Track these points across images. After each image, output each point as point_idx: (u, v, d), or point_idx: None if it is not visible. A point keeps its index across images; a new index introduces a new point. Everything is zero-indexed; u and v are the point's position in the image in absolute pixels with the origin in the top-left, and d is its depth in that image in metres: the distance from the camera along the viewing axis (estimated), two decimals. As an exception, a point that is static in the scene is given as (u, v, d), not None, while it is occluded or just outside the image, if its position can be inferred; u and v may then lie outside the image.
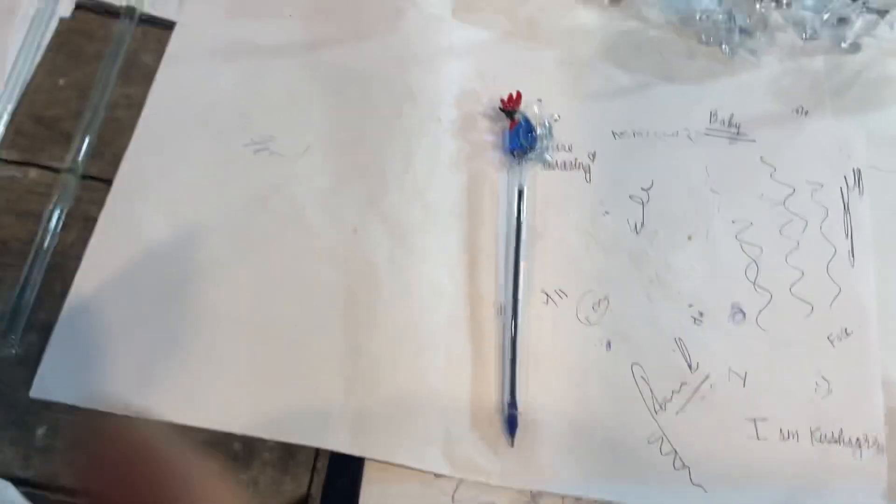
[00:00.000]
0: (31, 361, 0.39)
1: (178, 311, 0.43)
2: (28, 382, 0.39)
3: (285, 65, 0.51)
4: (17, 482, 0.37)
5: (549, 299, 0.49)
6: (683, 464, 0.46)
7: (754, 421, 0.48)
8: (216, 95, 0.49)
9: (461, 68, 0.55)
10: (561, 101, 0.55)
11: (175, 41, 0.50)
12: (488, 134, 0.53)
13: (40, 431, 0.38)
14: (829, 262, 0.53)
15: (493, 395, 0.45)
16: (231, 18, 0.52)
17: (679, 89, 0.58)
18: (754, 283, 0.52)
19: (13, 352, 0.39)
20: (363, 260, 0.46)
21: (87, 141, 0.45)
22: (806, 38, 0.63)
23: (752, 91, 0.60)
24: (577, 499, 0.45)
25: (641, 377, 0.48)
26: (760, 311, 0.51)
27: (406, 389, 0.44)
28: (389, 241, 0.47)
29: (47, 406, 0.39)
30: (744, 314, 0.51)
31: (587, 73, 0.57)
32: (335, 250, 0.46)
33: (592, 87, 0.57)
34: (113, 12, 0.50)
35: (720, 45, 0.61)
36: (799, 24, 0.65)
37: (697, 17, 0.62)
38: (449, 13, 0.57)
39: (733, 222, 0.54)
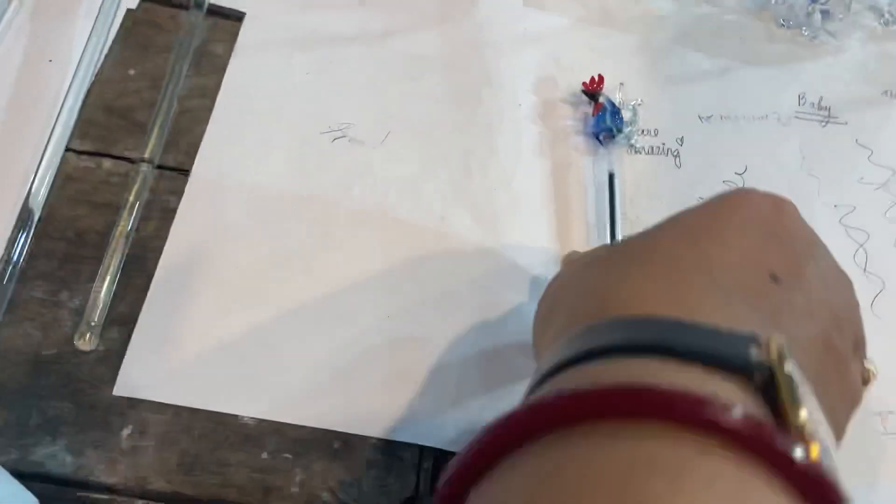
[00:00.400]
0: (113, 358, 0.37)
1: (262, 304, 0.40)
2: (111, 381, 0.36)
3: (358, 53, 0.49)
4: (103, 489, 0.34)
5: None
6: (807, 461, 0.42)
7: (880, 415, 0.44)
8: (290, 84, 0.47)
9: (537, 55, 0.53)
10: (642, 86, 0.53)
11: (246, 31, 0.49)
12: (570, 119, 0.51)
13: (126, 432, 0.35)
14: (942, 246, 0.50)
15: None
16: (301, 8, 0.51)
17: (763, 72, 0.56)
18: (864, 270, 0.49)
19: (94, 348, 0.37)
20: (453, 248, 0.43)
21: (161, 131, 0.43)
22: (884, 23, 0.60)
23: (838, 74, 0.57)
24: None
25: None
26: (874, 299, 0.48)
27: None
28: (479, 229, 0.44)
29: (132, 405, 0.36)
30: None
31: (666, 57, 0.55)
32: (423, 238, 0.43)
33: (673, 72, 0.54)
34: (178, 4, 0.48)
35: (800, 28, 0.59)
36: (876, 10, 0.63)
37: (773, 1, 0.59)
38: (520, 1, 0.55)
39: (835, 206, 0.51)
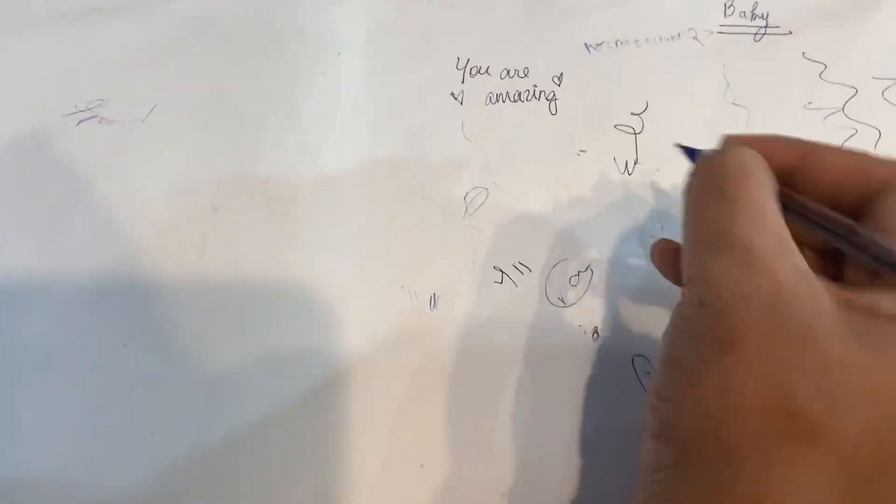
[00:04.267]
0: None
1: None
2: None
3: (125, 23, 0.41)
4: None
5: (506, 276, 0.36)
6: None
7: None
8: (37, 64, 0.40)
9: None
10: (505, 15, 0.43)
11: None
12: (411, 69, 0.41)
13: None
14: (920, 181, 0.38)
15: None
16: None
17: (676, -20, 0.45)
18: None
19: None
20: (227, 247, 0.35)
21: None
22: None
23: (783, -30, 0.46)
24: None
25: (647, 373, 0.35)
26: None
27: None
28: (262, 219, 0.36)
29: None
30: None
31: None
32: (188, 237, 0.35)
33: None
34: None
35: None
36: None
37: None
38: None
39: (769, 144, 0.40)
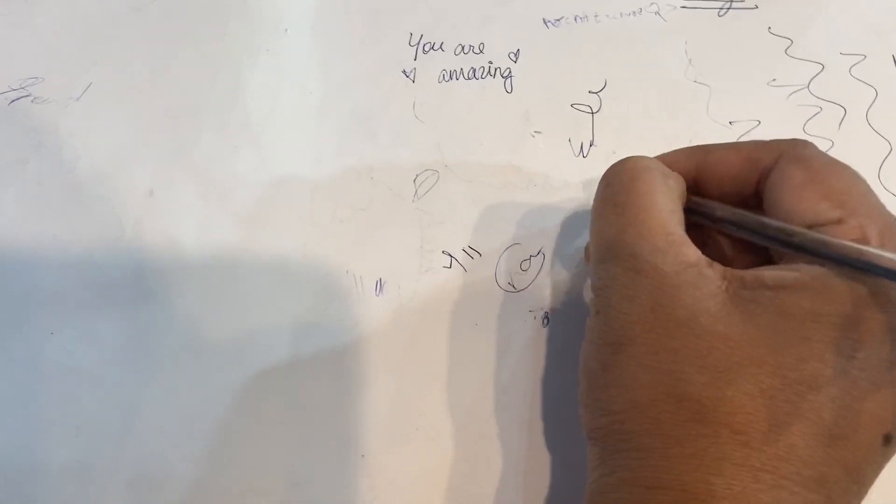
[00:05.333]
0: None
1: None
2: None
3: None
4: None
5: (455, 261, 0.36)
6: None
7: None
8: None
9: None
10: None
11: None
12: (360, 46, 0.40)
13: None
14: (883, 162, 0.38)
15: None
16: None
17: (639, -48, 0.44)
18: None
19: None
20: (162, 230, 0.34)
21: None
22: None
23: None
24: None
25: (598, 361, 0.34)
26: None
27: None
28: (200, 202, 0.35)
29: None
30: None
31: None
32: (121, 220, 0.34)
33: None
34: None
35: None
36: None
37: None
38: None
39: (731, 123, 0.39)
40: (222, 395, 0.33)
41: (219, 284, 0.34)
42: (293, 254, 0.35)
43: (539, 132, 0.39)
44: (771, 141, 0.28)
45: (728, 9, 0.42)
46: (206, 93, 0.38)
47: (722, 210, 0.27)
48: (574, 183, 0.38)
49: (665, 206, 0.26)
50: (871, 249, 0.22)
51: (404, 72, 0.40)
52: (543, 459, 0.33)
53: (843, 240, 0.23)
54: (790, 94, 0.40)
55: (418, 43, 0.41)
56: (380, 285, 0.35)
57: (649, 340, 0.23)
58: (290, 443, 0.33)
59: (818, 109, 0.39)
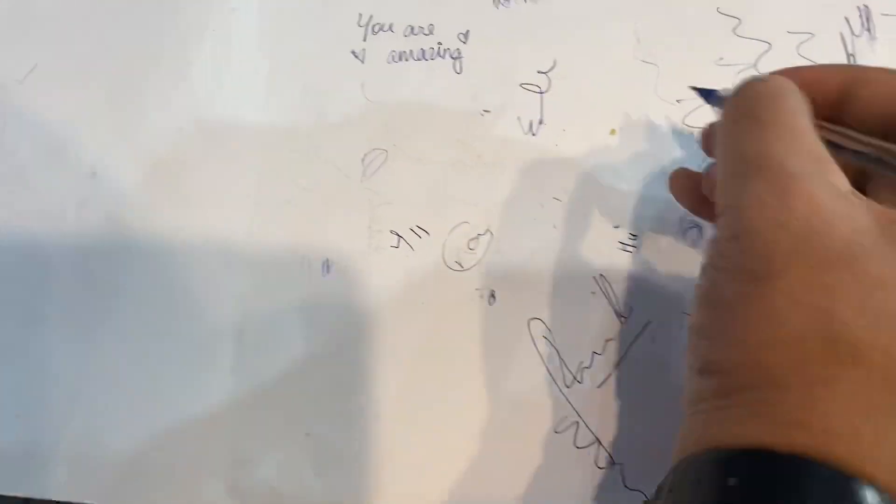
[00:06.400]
0: None
1: None
2: None
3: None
4: None
5: (403, 241, 0.36)
6: (611, 459, 0.32)
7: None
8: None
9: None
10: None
11: None
12: (309, 26, 0.40)
13: None
14: (828, 138, 0.38)
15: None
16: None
17: (590, -68, 0.44)
18: (715, 182, 0.37)
19: None
20: (103, 212, 0.34)
21: None
22: None
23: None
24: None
25: (544, 337, 0.34)
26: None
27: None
28: (145, 183, 0.35)
29: None
30: (700, 229, 0.37)
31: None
32: (64, 201, 0.34)
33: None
34: None
35: None
36: None
37: None
38: None
39: (678, 102, 0.40)
40: (166, 375, 0.33)
41: (163, 266, 0.35)
42: (239, 235, 0.36)
43: (488, 111, 0.39)
44: None
45: (678, -12, 0.42)
46: (152, 72, 0.38)
47: (857, 138, 0.25)
48: (523, 161, 0.38)
49: (811, 129, 0.24)
50: None
51: (353, 52, 0.40)
52: (490, 437, 0.34)
53: None
54: (738, 73, 0.40)
55: (367, 24, 0.41)
56: (327, 266, 0.36)
57: (802, 274, 0.21)
58: (236, 422, 0.33)
59: (765, 87, 0.40)
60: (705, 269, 0.24)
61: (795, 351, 0.21)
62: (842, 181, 0.23)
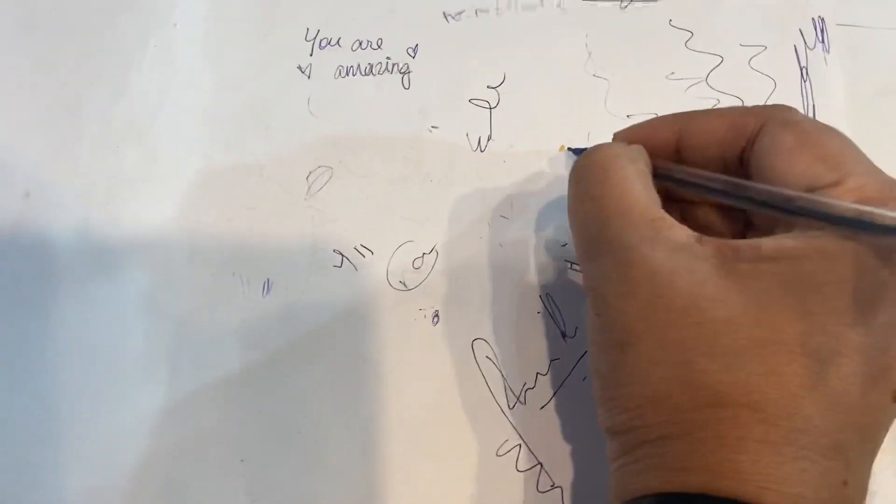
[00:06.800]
0: None
1: None
2: None
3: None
4: None
5: (346, 260, 0.35)
6: (552, 482, 0.32)
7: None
8: None
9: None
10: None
11: None
12: (254, 40, 0.40)
13: None
14: (779, 153, 0.38)
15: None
16: None
17: (540, -56, 0.44)
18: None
19: None
20: (38, 234, 0.33)
21: None
22: None
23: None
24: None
25: (487, 358, 0.34)
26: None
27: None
28: (81, 205, 0.34)
29: None
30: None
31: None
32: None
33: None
34: None
35: None
36: None
37: None
38: None
39: (629, 117, 0.39)
40: (98, 399, 0.32)
41: (98, 289, 0.34)
42: (177, 255, 0.35)
43: (436, 127, 0.39)
44: (755, 106, 0.28)
45: (630, 1, 0.42)
46: (90, 89, 0.37)
47: (711, 179, 0.26)
48: (471, 177, 0.38)
49: (641, 191, 0.25)
50: (877, 209, 0.22)
51: (299, 67, 0.40)
52: (433, 459, 0.33)
53: (845, 200, 0.22)
54: (688, 87, 0.40)
55: (315, 38, 0.40)
56: (267, 286, 0.35)
57: (654, 336, 0.23)
58: (169, 446, 0.32)
59: (716, 101, 0.40)
60: (588, 344, 0.27)
61: (666, 406, 0.23)
62: (679, 232, 0.24)
